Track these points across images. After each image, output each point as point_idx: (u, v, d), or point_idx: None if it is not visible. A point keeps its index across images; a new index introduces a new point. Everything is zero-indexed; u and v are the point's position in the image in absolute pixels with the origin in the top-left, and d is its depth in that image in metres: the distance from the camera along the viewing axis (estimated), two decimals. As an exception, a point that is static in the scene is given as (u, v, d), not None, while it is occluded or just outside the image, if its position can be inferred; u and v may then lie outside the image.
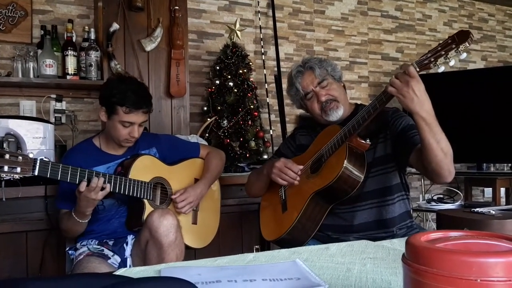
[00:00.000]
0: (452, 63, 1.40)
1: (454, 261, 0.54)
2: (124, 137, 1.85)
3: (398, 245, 1.36)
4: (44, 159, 1.60)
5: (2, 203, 2.12)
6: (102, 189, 1.68)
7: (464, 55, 1.39)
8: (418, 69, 1.41)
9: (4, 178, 1.48)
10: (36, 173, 1.55)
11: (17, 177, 1.50)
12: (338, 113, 1.73)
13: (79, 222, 1.76)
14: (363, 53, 3.90)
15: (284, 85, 3.38)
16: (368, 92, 3.89)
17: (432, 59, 1.40)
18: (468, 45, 1.35)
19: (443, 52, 1.38)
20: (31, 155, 1.56)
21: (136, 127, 1.85)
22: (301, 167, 1.74)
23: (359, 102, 1.96)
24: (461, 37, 1.36)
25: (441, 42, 1.42)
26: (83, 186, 1.64)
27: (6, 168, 1.45)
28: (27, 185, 2.11)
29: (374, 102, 1.53)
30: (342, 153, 1.61)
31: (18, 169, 1.48)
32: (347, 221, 1.71)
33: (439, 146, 1.43)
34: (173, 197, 1.95)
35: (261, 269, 1.10)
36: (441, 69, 1.42)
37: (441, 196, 3.37)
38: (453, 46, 1.37)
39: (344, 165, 1.57)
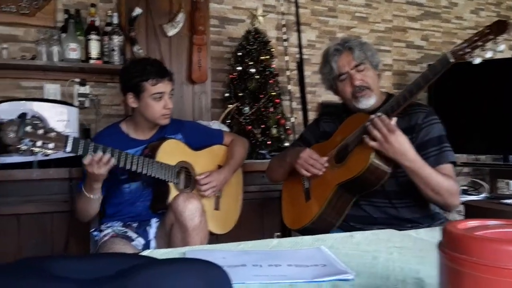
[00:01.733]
0: (489, 55, 1.34)
1: (496, 250, 0.53)
2: (160, 113, 1.86)
3: (424, 235, 1.34)
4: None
5: (28, 184, 2.16)
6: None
7: (502, 46, 1.33)
8: (453, 60, 1.38)
9: (37, 153, 1.45)
10: (68, 149, 1.52)
11: (49, 153, 1.48)
12: (369, 102, 1.68)
13: (88, 197, 1.73)
14: (387, 41, 3.82)
15: (306, 73, 3.36)
16: (392, 80, 3.82)
17: (468, 50, 1.36)
18: (506, 36, 1.30)
19: (480, 43, 1.34)
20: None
21: (167, 97, 1.86)
22: (326, 158, 1.71)
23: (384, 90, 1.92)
24: (499, 27, 1.31)
25: (477, 31, 1.37)
26: (88, 159, 1.59)
27: (39, 143, 1.43)
28: (54, 166, 2.15)
29: (403, 92, 1.51)
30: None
31: (51, 145, 1.46)
32: (372, 214, 1.68)
33: (429, 187, 1.51)
34: (197, 177, 1.95)
35: (286, 255, 1.09)
36: (477, 60, 1.36)
37: (466, 187, 3.31)
38: (490, 36, 1.32)
39: (371, 157, 1.53)
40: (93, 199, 1.75)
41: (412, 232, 1.38)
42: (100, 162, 1.60)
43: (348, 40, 1.73)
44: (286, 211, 1.89)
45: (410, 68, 3.88)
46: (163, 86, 1.84)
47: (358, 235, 1.32)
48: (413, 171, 1.50)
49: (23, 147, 1.40)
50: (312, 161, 1.70)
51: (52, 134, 1.47)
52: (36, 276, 0.62)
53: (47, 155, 1.47)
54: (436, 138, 1.61)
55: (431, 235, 1.32)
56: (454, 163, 1.62)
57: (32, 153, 1.43)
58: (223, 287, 0.68)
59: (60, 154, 1.58)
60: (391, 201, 1.66)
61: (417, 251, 1.14)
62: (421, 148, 1.58)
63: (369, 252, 1.13)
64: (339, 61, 1.69)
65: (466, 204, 2.38)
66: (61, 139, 1.50)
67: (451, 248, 0.58)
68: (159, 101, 1.84)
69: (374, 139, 1.51)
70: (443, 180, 1.51)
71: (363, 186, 1.61)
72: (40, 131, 1.44)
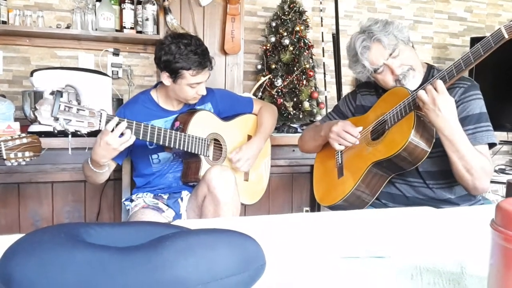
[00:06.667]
0: None
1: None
2: (192, 96, 1.85)
3: (464, 214, 1.28)
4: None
5: (63, 152, 2.20)
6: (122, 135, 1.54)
7: None
8: (507, 36, 1.27)
9: (72, 131, 1.44)
10: (102, 128, 1.50)
11: (83, 131, 1.45)
12: (416, 81, 1.56)
13: (94, 171, 1.65)
14: (428, 12, 3.64)
15: (342, 45, 3.24)
16: (432, 54, 3.66)
17: None
18: None
19: None
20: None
21: (203, 85, 1.85)
22: (360, 128, 1.65)
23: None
24: None
25: None
26: (108, 129, 1.50)
27: (73, 122, 1.43)
28: (87, 136, 2.17)
29: (451, 68, 1.40)
30: (409, 122, 1.48)
31: (85, 123, 1.45)
32: (405, 194, 1.62)
33: (461, 162, 1.41)
34: (229, 156, 1.94)
35: (317, 230, 1.06)
36: None
37: (503, 167, 3.19)
38: None
39: (410, 136, 1.44)
40: (98, 172, 1.67)
41: (451, 211, 1.32)
42: (119, 137, 1.52)
43: (370, 30, 1.57)
44: (317, 187, 1.85)
45: (451, 41, 3.70)
46: (202, 77, 1.81)
47: (393, 212, 1.28)
48: (451, 141, 1.39)
49: (58, 126, 1.40)
50: (344, 134, 1.64)
51: (86, 112, 1.45)
52: (72, 243, 0.61)
53: (81, 132, 1.46)
54: (473, 116, 1.50)
55: (472, 214, 1.26)
56: (493, 145, 1.51)
57: (67, 131, 1.42)
58: (256, 260, 0.66)
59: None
60: (425, 182, 1.59)
61: (457, 230, 1.09)
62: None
63: (405, 230, 1.08)
64: (371, 57, 1.56)
65: (509, 182, 2.27)
66: (95, 116, 1.48)
67: (507, 226, 0.53)
68: (194, 88, 1.82)
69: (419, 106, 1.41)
70: (478, 158, 1.42)
71: (399, 165, 1.53)
72: (74, 110, 1.43)
